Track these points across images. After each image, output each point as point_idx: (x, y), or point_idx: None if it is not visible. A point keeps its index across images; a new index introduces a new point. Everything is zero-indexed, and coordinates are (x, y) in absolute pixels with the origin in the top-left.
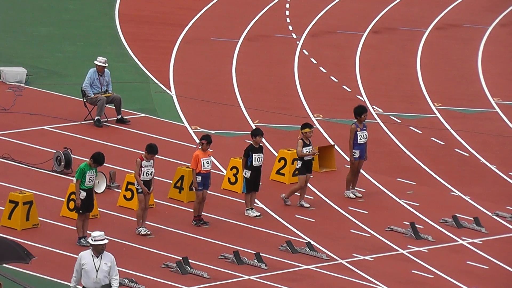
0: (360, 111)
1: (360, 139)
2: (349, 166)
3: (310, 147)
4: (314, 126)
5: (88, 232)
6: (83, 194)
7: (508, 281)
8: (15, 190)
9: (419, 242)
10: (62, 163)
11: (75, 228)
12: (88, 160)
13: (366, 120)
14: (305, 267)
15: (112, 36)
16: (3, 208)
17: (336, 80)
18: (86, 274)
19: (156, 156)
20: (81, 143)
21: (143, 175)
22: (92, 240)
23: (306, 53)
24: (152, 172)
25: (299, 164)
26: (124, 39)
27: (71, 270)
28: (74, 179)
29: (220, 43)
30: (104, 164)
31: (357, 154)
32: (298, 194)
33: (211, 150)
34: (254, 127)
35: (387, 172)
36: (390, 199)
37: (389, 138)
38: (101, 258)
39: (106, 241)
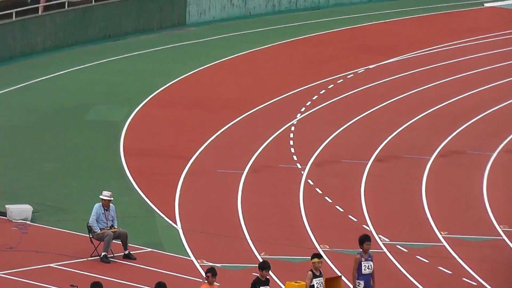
0: (361, 240)
1: (364, 270)
2: None
3: (320, 278)
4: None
5: None
6: None
7: None
8: None
9: None
10: None
11: None
12: None
13: (371, 250)
14: None
15: (117, 170)
16: None
17: (341, 210)
18: None
19: None
20: (88, 280)
21: None
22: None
23: (311, 183)
24: None
25: None
26: (129, 172)
27: None
28: None
29: (225, 174)
30: None
31: (361, 285)
32: None
33: (217, 284)
34: (260, 260)
35: None
36: None
37: (396, 267)
38: None
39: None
